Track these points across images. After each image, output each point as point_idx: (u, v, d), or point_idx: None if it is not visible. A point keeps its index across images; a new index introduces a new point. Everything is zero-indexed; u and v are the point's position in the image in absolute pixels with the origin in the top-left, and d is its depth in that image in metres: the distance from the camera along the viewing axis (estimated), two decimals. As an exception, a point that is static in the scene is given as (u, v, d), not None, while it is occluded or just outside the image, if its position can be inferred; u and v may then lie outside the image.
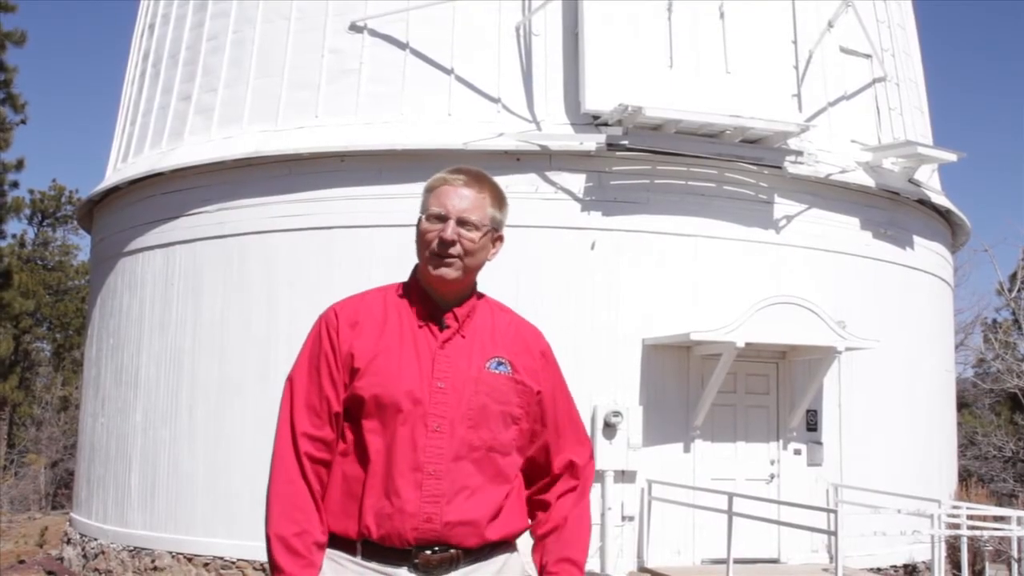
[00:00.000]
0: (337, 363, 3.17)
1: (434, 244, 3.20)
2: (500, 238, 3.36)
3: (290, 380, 3.23)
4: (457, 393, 3.14)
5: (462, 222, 3.21)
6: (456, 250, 3.19)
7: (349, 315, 3.24)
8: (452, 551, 3.09)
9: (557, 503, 3.35)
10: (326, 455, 3.14)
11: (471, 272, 3.28)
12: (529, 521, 3.33)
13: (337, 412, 3.16)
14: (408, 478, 3.06)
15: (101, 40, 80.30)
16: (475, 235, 3.23)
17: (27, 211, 39.50)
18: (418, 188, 12.56)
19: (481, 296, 3.38)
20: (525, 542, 3.26)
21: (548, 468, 3.36)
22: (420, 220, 3.27)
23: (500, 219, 3.34)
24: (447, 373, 3.16)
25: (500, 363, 3.24)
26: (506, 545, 3.23)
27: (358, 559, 3.10)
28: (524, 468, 3.33)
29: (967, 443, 28.85)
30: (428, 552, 3.07)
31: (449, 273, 3.20)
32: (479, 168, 3.36)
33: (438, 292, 3.26)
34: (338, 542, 3.12)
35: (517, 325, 3.40)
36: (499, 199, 3.34)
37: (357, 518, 3.09)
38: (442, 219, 3.21)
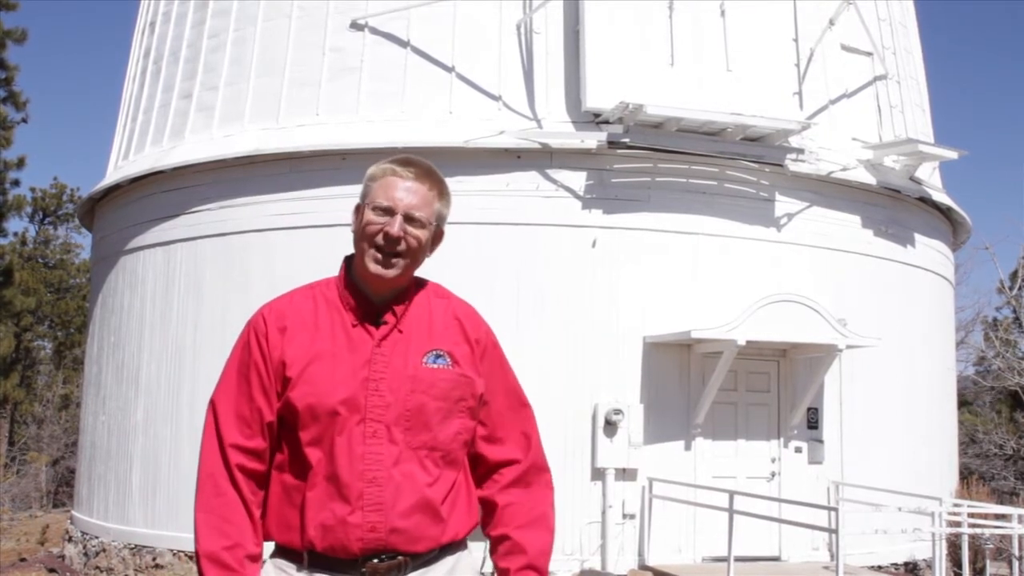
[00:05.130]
0: (268, 371, 3.06)
1: (378, 238, 3.03)
2: (441, 234, 3.18)
3: (213, 401, 3.11)
4: (393, 394, 3.00)
5: (409, 218, 3.04)
6: (401, 247, 3.03)
7: (277, 319, 3.12)
8: (400, 558, 3.00)
9: (502, 498, 3.18)
10: (258, 466, 3.04)
11: (411, 270, 3.11)
12: (479, 518, 3.20)
13: (270, 422, 3.04)
14: (349, 488, 2.96)
15: (102, 38, 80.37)
16: (421, 233, 3.07)
17: (28, 209, 39.55)
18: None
19: (420, 282, 3.21)
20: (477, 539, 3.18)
21: (487, 460, 3.20)
22: (361, 209, 3.10)
23: (445, 214, 3.18)
24: (383, 374, 3.02)
25: (439, 356, 3.08)
26: (456, 545, 3.11)
27: (304, 569, 3.01)
28: (470, 462, 3.19)
29: (968, 441, 28.87)
30: (376, 560, 2.98)
31: (390, 273, 3.04)
32: (429, 161, 3.18)
33: (374, 288, 3.10)
34: (284, 552, 3.04)
35: (456, 311, 3.21)
36: (445, 194, 3.16)
37: (299, 529, 3.00)
38: (389, 212, 3.03)
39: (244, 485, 3.00)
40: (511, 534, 3.14)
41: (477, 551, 3.22)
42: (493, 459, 3.20)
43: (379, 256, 3.03)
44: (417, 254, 3.08)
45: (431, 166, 3.15)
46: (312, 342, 3.06)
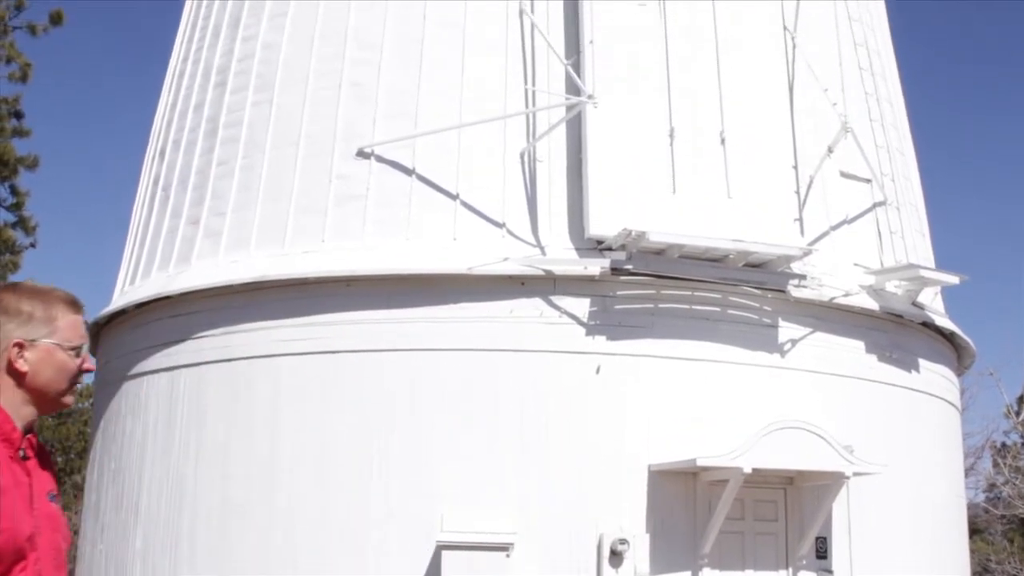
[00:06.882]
0: None
1: (72, 376, 3.17)
2: None
3: None
4: (46, 536, 3.01)
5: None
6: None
7: None
8: None
9: None
10: None
11: None
12: None
13: None
14: None
15: (110, 164, 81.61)
16: None
17: (33, 334, 39.55)
18: (424, 312, 12.61)
19: None
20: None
21: None
22: (52, 349, 3.11)
23: None
24: (39, 511, 3.02)
25: (53, 496, 3.13)
26: None
27: None
28: None
29: (980, 570, 28.37)
30: None
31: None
32: None
33: (30, 421, 3.11)
34: None
35: (30, 437, 3.24)
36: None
37: None
38: (78, 350, 3.20)
39: None
40: None
41: None
42: None
43: (73, 390, 3.19)
44: None
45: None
46: None
